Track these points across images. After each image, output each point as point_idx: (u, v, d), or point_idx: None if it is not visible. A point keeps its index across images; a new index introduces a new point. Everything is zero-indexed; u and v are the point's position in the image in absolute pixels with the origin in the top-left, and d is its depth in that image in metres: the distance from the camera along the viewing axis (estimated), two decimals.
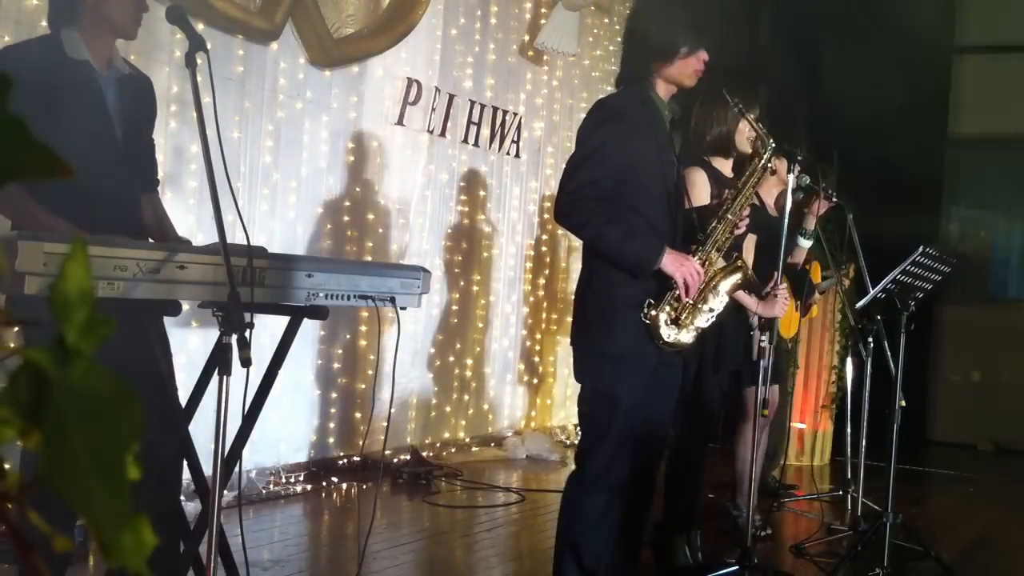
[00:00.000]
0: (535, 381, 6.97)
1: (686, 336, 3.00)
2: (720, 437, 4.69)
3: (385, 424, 3.86)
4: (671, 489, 4.00)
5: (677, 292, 2.93)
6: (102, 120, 2.78)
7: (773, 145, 3.15)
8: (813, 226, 4.58)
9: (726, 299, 3.12)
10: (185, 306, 3.14)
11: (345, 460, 5.39)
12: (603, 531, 2.98)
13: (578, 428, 6.60)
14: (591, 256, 3.04)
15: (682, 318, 2.98)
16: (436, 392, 6.13)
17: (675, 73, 3.00)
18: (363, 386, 5.50)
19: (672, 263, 2.90)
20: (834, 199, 4.57)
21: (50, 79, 2.66)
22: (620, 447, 2.95)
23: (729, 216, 3.06)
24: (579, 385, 3.06)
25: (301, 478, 5.05)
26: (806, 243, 4.61)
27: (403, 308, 2.93)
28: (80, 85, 2.74)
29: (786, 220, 3.75)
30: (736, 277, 3.12)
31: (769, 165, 3.18)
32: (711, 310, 3.06)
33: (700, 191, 3.73)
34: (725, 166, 3.95)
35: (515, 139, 6.66)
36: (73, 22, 2.77)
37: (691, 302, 2.98)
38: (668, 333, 2.96)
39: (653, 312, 2.94)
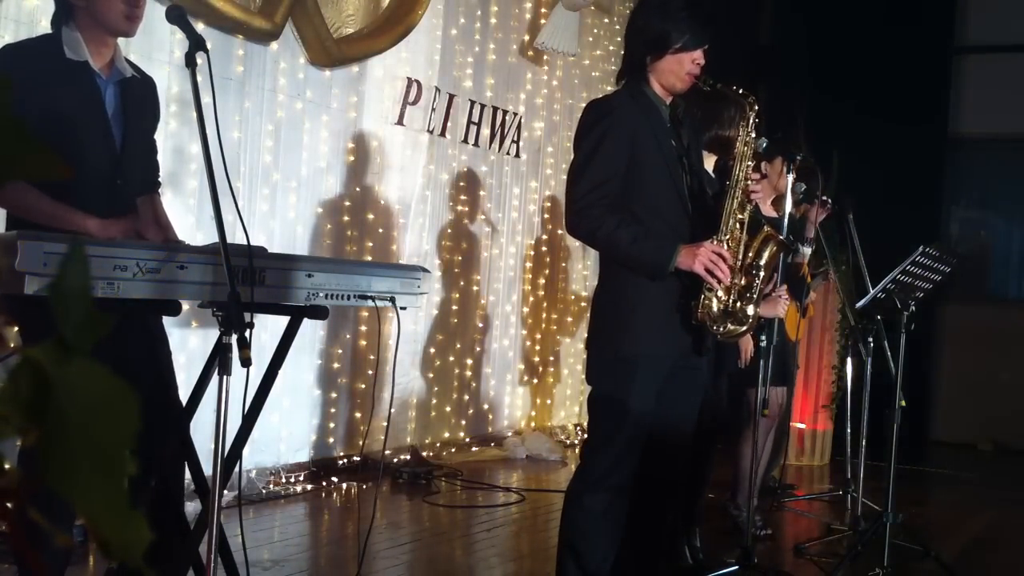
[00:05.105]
0: (535, 381, 6.96)
1: (740, 325, 2.91)
2: (720, 437, 4.67)
3: (385, 424, 3.87)
4: None
5: (708, 284, 2.82)
6: (99, 123, 2.74)
7: (754, 104, 2.96)
8: (812, 234, 4.58)
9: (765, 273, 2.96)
10: (185, 306, 3.13)
11: (345, 460, 5.39)
12: (604, 530, 2.93)
13: (577, 427, 6.54)
14: (605, 258, 3.00)
15: (730, 306, 2.87)
16: (436, 392, 6.12)
17: (666, 71, 2.90)
18: (363, 386, 5.50)
19: (687, 257, 2.79)
20: (830, 206, 4.58)
21: (47, 80, 2.63)
22: (625, 451, 2.89)
23: (735, 185, 2.91)
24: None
25: (301, 478, 5.05)
26: (807, 250, 4.60)
27: (403, 308, 2.93)
28: (77, 87, 2.70)
29: (786, 220, 3.76)
30: (770, 245, 2.95)
31: (753, 122, 2.95)
32: (757, 288, 2.93)
33: None
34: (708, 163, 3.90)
35: (515, 139, 6.66)
36: (74, 21, 2.74)
37: (727, 286, 2.84)
38: (723, 326, 2.88)
39: (701, 310, 2.85)
